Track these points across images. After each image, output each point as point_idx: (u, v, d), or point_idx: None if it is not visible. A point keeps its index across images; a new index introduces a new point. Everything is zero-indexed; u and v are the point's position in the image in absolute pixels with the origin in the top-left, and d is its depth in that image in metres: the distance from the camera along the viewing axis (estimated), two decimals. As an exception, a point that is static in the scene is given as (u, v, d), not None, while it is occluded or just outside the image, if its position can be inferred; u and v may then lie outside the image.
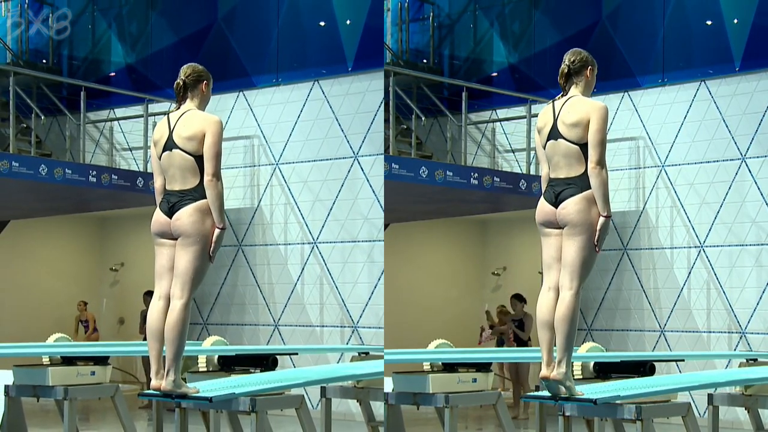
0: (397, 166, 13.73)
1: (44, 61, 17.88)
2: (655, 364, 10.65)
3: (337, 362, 13.72)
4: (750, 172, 14.43)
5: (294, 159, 14.90)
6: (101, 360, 10.82)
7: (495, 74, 17.05)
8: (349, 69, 14.42)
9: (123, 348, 13.23)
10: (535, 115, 14.80)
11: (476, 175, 14.69)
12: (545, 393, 7.31)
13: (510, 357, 14.29)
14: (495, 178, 14.86)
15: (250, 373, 10.64)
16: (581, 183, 6.94)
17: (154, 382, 7.06)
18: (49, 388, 10.38)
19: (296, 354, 13.23)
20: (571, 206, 6.95)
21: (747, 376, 10.19)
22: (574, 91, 7.12)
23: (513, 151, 16.42)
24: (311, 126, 14.74)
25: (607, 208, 6.93)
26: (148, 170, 15.53)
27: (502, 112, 16.56)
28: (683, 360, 13.06)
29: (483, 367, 10.63)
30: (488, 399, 10.73)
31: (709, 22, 14.97)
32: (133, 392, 16.21)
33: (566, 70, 7.14)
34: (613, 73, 15.35)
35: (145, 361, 15.50)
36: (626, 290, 15.53)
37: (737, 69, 14.57)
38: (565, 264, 7.01)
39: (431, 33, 17.03)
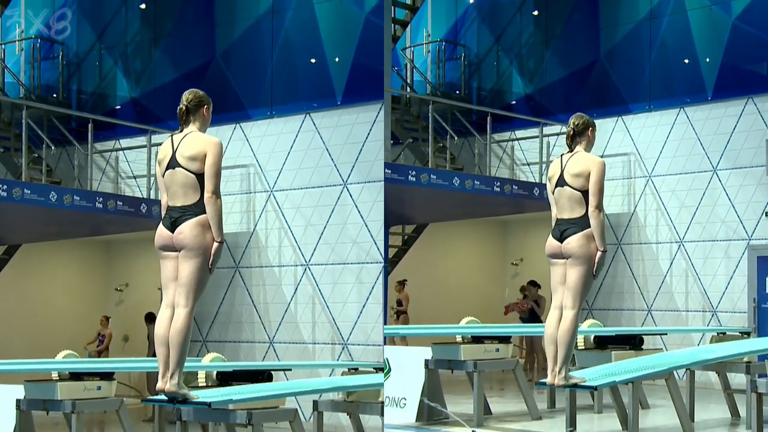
0: (434, 177, 15.36)
1: (54, 95, 17.83)
2: (644, 337, 12.18)
3: (329, 377, 13.65)
4: (720, 181, 16.07)
5: (287, 186, 14.84)
6: (107, 375, 10.77)
7: (514, 102, 19.15)
8: (338, 103, 14.41)
9: (128, 364, 13.15)
10: (547, 135, 17.56)
11: (498, 184, 16.48)
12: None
13: (525, 331, 16.11)
14: (514, 187, 16.64)
15: (247, 387, 10.57)
16: (582, 223, 7.83)
17: (159, 384, 7.04)
18: (57, 401, 10.36)
19: (290, 369, 13.15)
20: (574, 242, 7.85)
21: (718, 355, 11.19)
22: (579, 148, 7.97)
23: (528, 164, 18.33)
24: (303, 156, 14.68)
25: (603, 244, 7.82)
26: (152, 197, 15.48)
27: (519, 133, 18.56)
28: (666, 334, 14.23)
29: (504, 339, 12.13)
30: (509, 365, 12.26)
31: (686, 61, 16.61)
32: (137, 406, 16.10)
33: (572, 132, 8.00)
34: (609, 101, 17.14)
35: (150, 376, 15.40)
36: (620, 277, 17.32)
37: (709, 98, 16.21)
38: (568, 287, 7.92)
39: (462, 69, 19.52)
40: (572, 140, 8.03)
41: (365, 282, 13.91)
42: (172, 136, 7.27)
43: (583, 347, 11.63)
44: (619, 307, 17.30)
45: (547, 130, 17.58)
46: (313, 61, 14.86)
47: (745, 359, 11.49)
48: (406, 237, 19.07)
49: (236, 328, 15.20)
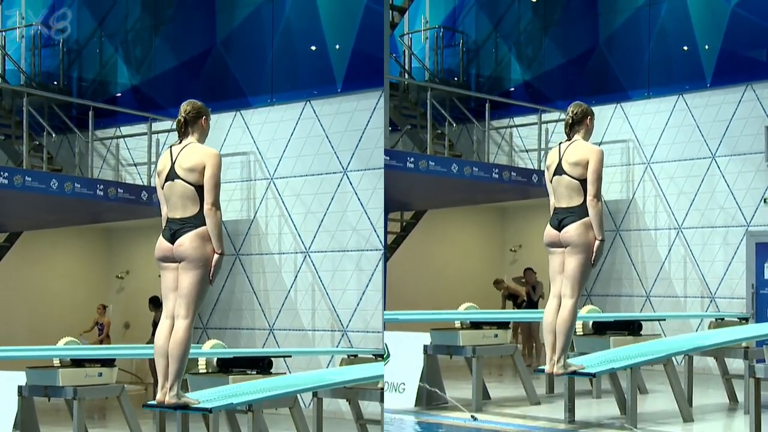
0: (433, 164, 15.35)
1: (55, 82, 17.85)
2: (642, 323, 12.27)
3: (328, 363, 13.69)
4: (719, 168, 16.04)
5: (287, 174, 14.86)
6: (108, 362, 10.80)
7: (512, 89, 19.22)
8: (339, 90, 14.42)
9: (128, 351, 13.19)
10: (545, 122, 17.56)
11: (497, 170, 16.51)
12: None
13: (523, 317, 16.53)
14: (512, 173, 16.64)
15: (247, 374, 10.61)
16: (580, 211, 7.81)
17: (159, 396, 7.01)
18: (59, 388, 10.37)
19: (290, 356, 13.18)
20: (572, 231, 7.83)
21: (716, 341, 11.10)
22: (577, 136, 7.96)
23: (527, 151, 18.37)
24: (303, 143, 14.70)
25: (601, 233, 7.80)
26: (152, 184, 15.48)
27: (518, 120, 18.57)
28: (664, 319, 14.60)
29: (503, 325, 12.22)
30: (507, 351, 12.27)
31: (685, 48, 16.63)
32: (138, 392, 16.18)
33: (570, 121, 8.00)
34: (608, 88, 17.16)
35: (152, 363, 15.46)
36: (619, 263, 17.32)
37: (708, 85, 16.24)
38: (567, 276, 7.92)
39: (461, 56, 19.60)
40: (571, 129, 8.02)
41: (365, 269, 13.94)
42: (171, 147, 7.23)
43: (582, 333, 11.66)
44: (617, 293, 17.31)
45: (545, 116, 17.61)
46: (313, 48, 14.87)
47: (743, 344, 11.51)
48: (404, 223, 19.10)
49: (236, 315, 15.25)
